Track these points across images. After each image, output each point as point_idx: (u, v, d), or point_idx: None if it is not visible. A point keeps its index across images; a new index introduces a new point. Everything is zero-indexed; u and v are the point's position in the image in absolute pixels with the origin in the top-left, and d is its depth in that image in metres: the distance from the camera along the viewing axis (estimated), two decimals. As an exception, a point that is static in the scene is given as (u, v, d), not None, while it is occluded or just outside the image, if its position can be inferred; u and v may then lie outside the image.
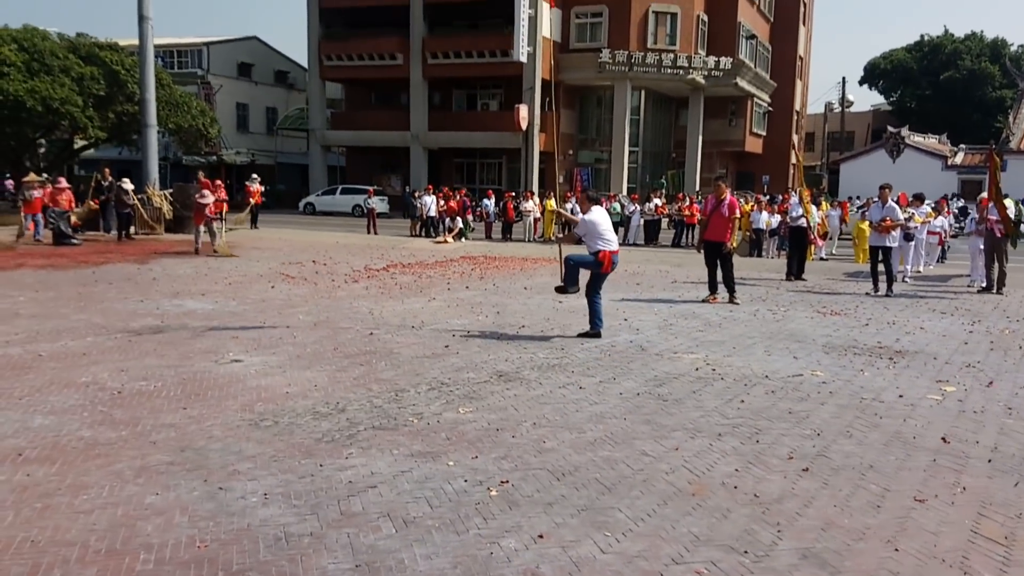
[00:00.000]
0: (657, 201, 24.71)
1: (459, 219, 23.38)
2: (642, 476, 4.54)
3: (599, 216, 8.57)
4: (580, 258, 8.53)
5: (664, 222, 25.46)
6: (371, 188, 31.40)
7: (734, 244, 11.67)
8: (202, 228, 16.76)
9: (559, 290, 8.84)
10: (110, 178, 20.04)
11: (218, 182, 24.10)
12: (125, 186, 19.64)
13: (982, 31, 59.02)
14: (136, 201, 20.17)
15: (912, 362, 7.66)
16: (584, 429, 5.36)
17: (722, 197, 11.34)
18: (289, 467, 4.57)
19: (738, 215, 11.69)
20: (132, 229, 19.89)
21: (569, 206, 24.18)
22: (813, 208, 15.65)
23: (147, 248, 17.43)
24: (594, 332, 8.54)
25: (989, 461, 4.90)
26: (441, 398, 6.05)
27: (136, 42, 21.94)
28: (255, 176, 24.78)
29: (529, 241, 23.97)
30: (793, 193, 32.77)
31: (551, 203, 25.07)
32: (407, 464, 4.65)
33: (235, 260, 15.50)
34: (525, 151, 36.72)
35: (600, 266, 8.46)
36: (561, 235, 9.80)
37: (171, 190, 22.55)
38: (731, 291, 11.43)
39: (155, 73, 22.99)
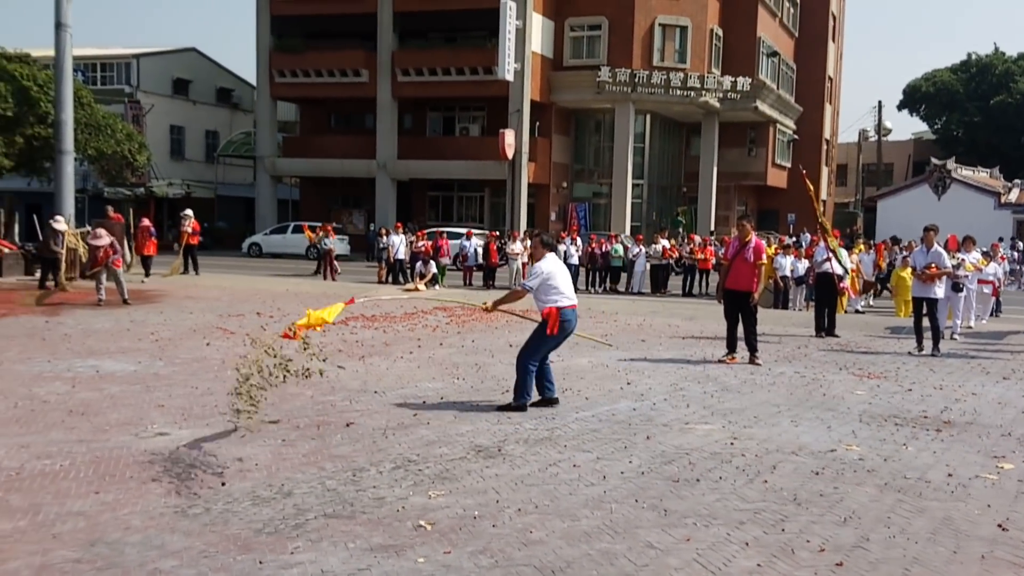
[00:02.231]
0: (665, 243, 24.89)
1: (432, 263, 23.44)
2: (647, 573, 4.49)
3: (555, 265, 8.35)
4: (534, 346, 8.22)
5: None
6: (329, 225, 31.48)
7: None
8: (104, 276, 16.52)
9: (507, 408, 8.21)
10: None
11: (145, 221, 23.96)
12: (58, 226, 19.36)
13: (1038, 49, 60.36)
14: (69, 245, 19.61)
15: (963, 434, 7.68)
16: (578, 516, 5.32)
17: (746, 239, 11.47)
18: (222, 564, 4.49)
19: (764, 260, 11.81)
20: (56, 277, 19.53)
21: (563, 247, 24.40)
22: (842, 253, 15.80)
23: (58, 297, 17.33)
24: (517, 405, 8.16)
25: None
26: (408, 479, 5.99)
27: (52, 53, 22.03)
28: (187, 213, 24.57)
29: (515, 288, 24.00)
30: (804, 233, 32.99)
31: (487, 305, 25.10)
32: (365, 560, 4.57)
33: (164, 312, 15.42)
34: (511, 183, 37.00)
35: (543, 327, 8.18)
36: (490, 304, 8.85)
37: (88, 228, 22.46)
38: (752, 350, 11.48)
39: (74, 90, 23.00)
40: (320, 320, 7.75)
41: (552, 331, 8.15)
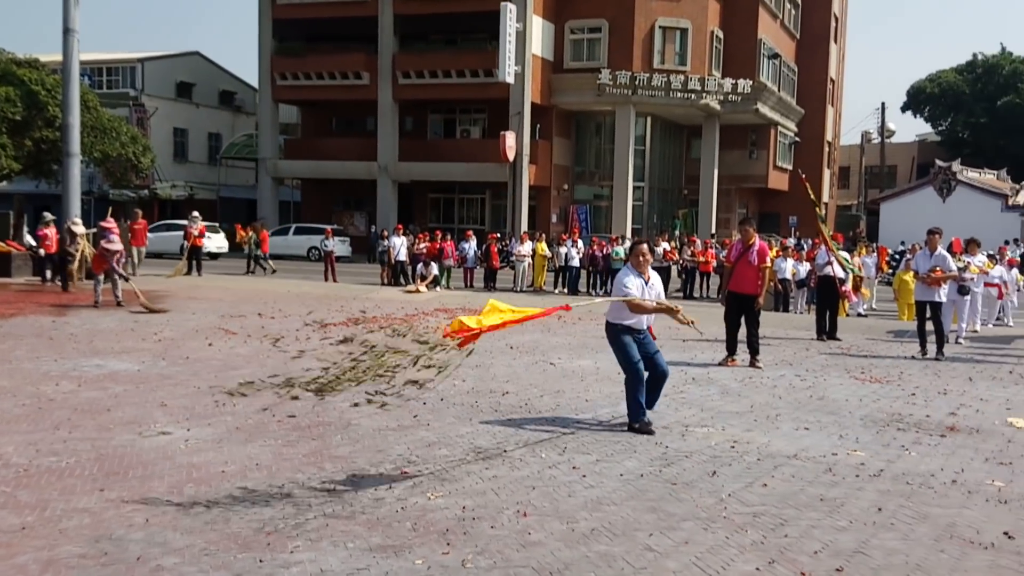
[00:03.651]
0: (665, 245, 24.88)
1: (434, 264, 23.46)
2: (646, 575, 4.51)
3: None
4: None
5: (674, 270, 25.62)
6: (329, 228, 31.50)
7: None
8: (102, 277, 16.37)
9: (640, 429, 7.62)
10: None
11: (118, 222, 23.94)
12: (76, 229, 19.31)
13: (1046, 49, 60.32)
14: (84, 246, 19.51)
15: (968, 440, 7.66)
16: (577, 518, 5.33)
17: (750, 242, 11.51)
18: (223, 562, 4.52)
19: (768, 264, 11.87)
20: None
21: (563, 250, 24.41)
22: (844, 254, 15.77)
23: (65, 298, 17.35)
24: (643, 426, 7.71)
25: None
26: (407, 480, 6.01)
27: (59, 58, 22.11)
28: (195, 214, 24.72)
29: (517, 291, 24.03)
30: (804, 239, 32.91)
31: (542, 246, 25.25)
32: (364, 560, 4.59)
33: (167, 313, 15.45)
34: (512, 185, 37.04)
35: None
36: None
37: (95, 229, 22.50)
38: (754, 353, 11.50)
39: (80, 94, 23.09)
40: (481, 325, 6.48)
41: None
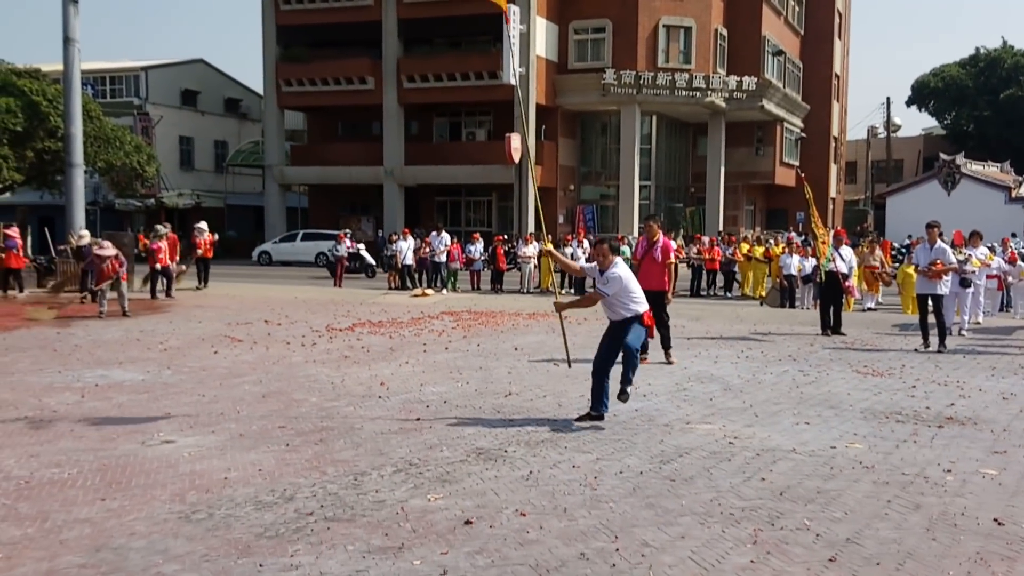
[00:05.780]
0: (673, 244, 24.87)
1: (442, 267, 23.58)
2: (641, 571, 4.56)
3: (628, 271, 8.05)
4: (633, 337, 7.93)
5: (681, 267, 25.62)
6: (342, 232, 31.49)
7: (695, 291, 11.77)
8: (106, 287, 16.50)
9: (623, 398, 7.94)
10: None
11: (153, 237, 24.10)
12: (79, 241, 19.32)
13: (1047, 42, 60.03)
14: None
15: (964, 430, 7.71)
16: (576, 516, 5.38)
17: (655, 239, 11.62)
18: (223, 568, 4.57)
19: (672, 260, 11.64)
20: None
21: (569, 250, 24.40)
22: (847, 251, 15.74)
23: (70, 309, 17.48)
24: (599, 415, 7.96)
25: (1050, 547, 4.91)
26: (408, 482, 6.07)
27: (60, 68, 22.27)
28: (201, 225, 24.81)
29: (524, 293, 24.06)
30: (789, 234, 32.73)
31: (547, 246, 25.20)
32: (363, 563, 4.65)
33: (173, 322, 15.56)
34: (518, 187, 37.09)
35: (647, 331, 8.19)
36: (563, 297, 8.50)
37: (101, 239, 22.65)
38: (667, 348, 11.60)
39: (83, 104, 23.21)
40: None
41: (652, 335, 8.22)
